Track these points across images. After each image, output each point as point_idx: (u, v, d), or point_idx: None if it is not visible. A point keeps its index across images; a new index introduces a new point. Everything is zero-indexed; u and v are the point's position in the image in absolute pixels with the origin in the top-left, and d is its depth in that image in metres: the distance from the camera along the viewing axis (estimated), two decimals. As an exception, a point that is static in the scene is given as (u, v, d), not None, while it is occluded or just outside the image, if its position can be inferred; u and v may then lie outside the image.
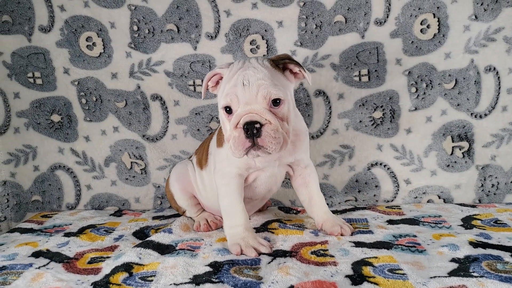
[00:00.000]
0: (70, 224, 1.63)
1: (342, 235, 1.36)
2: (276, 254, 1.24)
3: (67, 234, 1.50)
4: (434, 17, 1.66)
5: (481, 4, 1.61)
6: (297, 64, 1.25)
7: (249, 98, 1.18)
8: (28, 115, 1.82)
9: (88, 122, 1.83)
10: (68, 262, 1.26)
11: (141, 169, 1.85)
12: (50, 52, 1.77)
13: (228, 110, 1.22)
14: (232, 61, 1.38)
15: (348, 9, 1.68)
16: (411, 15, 1.67)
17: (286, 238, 1.36)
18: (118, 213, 1.79)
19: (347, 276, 1.08)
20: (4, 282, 1.14)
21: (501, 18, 1.61)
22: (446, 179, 1.73)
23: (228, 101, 1.20)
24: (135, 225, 1.59)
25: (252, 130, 1.16)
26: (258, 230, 1.44)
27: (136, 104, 1.81)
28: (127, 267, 1.18)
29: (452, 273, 1.06)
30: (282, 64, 1.26)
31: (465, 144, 1.71)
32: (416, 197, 1.75)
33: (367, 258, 1.18)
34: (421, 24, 1.67)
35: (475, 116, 1.69)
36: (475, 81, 1.67)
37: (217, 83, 1.32)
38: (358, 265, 1.13)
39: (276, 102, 1.19)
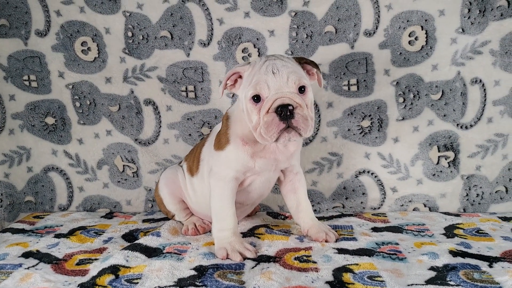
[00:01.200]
0: (61, 226, 1.65)
1: (326, 241, 1.39)
2: (261, 259, 1.27)
3: (58, 235, 1.52)
4: (422, 29, 1.69)
5: (468, 18, 1.65)
6: (315, 65, 1.31)
7: (279, 85, 1.21)
8: (23, 117, 1.85)
9: (81, 125, 1.86)
10: (56, 263, 1.29)
11: (133, 172, 1.88)
12: (46, 56, 1.80)
13: (256, 99, 1.23)
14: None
15: (338, 20, 1.72)
16: (399, 27, 1.70)
17: (272, 243, 1.39)
18: (109, 215, 1.81)
19: (327, 282, 1.11)
20: (-7, 281, 1.17)
21: (487, 32, 1.65)
22: (432, 188, 1.76)
23: (258, 89, 1.22)
24: (125, 227, 1.61)
25: (286, 112, 1.18)
26: (245, 235, 1.47)
27: (129, 109, 1.84)
28: (114, 269, 1.20)
29: (429, 281, 1.09)
30: (302, 63, 1.31)
31: (450, 154, 1.74)
32: (402, 205, 1.78)
33: (348, 264, 1.21)
34: (409, 36, 1.71)
35: (461, 127, 1.72)
36: (461, 92, 1.70)
37: (235, 81, 1.33)
38: (339, 271, 1.17)
39: (302, 89, 1.24)
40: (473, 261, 1.21)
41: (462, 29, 1.67)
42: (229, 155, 1.37)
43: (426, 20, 1.69)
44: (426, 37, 1.70)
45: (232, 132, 1.37)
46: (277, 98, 1.20)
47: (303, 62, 1.31)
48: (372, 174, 1.79)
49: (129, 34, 1.78)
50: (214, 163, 1.41)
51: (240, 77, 1.31)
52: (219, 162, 1.39)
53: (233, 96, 1.81)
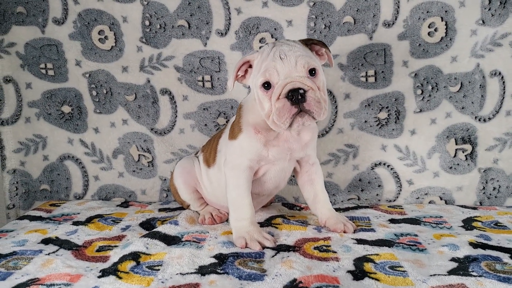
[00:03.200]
0: (78, 214, 1.66)
1: (345, 232, 1.39)
2: (280, 248, 1.27)
3: (76, 223, 1.53)
4: (442, 20, 1.68)
5: (489, 9, 1.63)
6: (323, 44, 1.30)
7: (288, 70, 1.21)
8: (39, 106, 1.85)
9: (97, 114, 1.86)
10: (77, 250, 1.29)
11: (148, 162, 1.88)
12: (63, 44, 1.80)
13: (267, 86, 1.23)
14: (253, 50, 1.40)
15: (357, 10, 1.71)
16: (419, 18, 1.69)
17: (290, 233, 1.39)
18: (125, 204, 1.82)
19: (349, 271, 1.11)
20: (15, 267, 1.17)
21: (508, 24, 1.63)
22: (448, 181, 1.75)
23: (267, 76, 1.22)
24: (142, 216, 1.62)
25: (297, 96, 1.18)
26: (262, 224, 1.47)
27: (145, 98, 1.84)
28: (135, 256, 1.21)
29: (451, 272, 1.09)
30: (309, 44, 1.31)
31: (468, 147, 1.73)
32: (418, 198, 1.77)
33: (368, 255, 1.20)
34: (428, 27, 1.69)
35: (479, 120, 1.71)
36: (480, 85, 1.69)
37: (246, 72, 1.34)
38: (360, 261, 1.16)
39: (312, 72, 1.23)
40: (494, 253, 1.20)
41: (483, 21, 1.65)
42: (242, 144, 1.37)
43: (446, 11, 1.67)
44: (446, 29, 1.68)
45: (244, 121, 1.37)
46: (287, 83, 1.19)
47: (310, 43, 1.30)
48: (388, 166, 1.79)
49: (147, 23, 1.78)
50: (229, 152, 1.42)
51: (250, 66, 1.31)
52: (233, 151, 1.40)
53: (249, 86, 1.80)
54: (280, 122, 1.21)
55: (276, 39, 1.76)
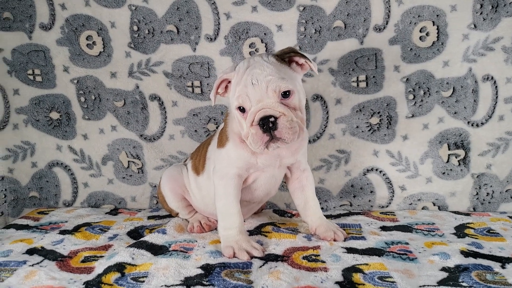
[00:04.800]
0: (66, 222, 1.64)
1: (335, 240, 1.37)
2: (268, 258, 1.24)
3: (63, 232, 1.50)
4: (434, 25, 1.66)
5: (481, 14, 1.62)
6: (302, 55, 1.28)
7: (260, 96, 1.20)
8: (27, 112, 1.83)
9: (86, 121, 1.84)
10: (61, 260, 1.27)
11: (138, 168, 1.86)
12: (51, 50, 1.78)
13: (242, 109, 1.25)
14: (233, 63, 1.40)
15: (347, 15, 1.69)
16: (410, 23, 1.67)
17: (279, 242, 1.37)
18: (114, 212, 1.80)
19: (337, 282, 1.09)
20: (-3, 279, 1.15)
21: (500, 28, 1.61)
22: (441, 187, 1.73)
23: (240, 102, 1.23)
24: (130, 224, 1.59)
25: (267, 124, 1.19)
26: (251, 233, 1.45)
27: (134, 104, 1.82)
28: (120, 267, 1.19)
29: (441, 282, 1.07)
30: (287, 57, 1.29)
31: (461, 152, 1.71)
32: (411, 204, 1.75)
33: (358, 264, 1.18)
34: (420, 31, 1.67)
35: (472, 125, 1.69)
36: (472, 89, 1.67)
37: (226, 87, 1.33)
38: (349, 271, 1.14)
39: (286, 94, 1.22)
40: (485, 262, 1.19)
41: (474, 25, 1.63)
42: (229, 153, 1.36)
43: (437, 16, 1.65)
44: (438, 33, 1.66)
45: (230, 130, 1.36)
46: (258, 110, 1.20)
47: (286, 57, 1.28)
48: (380, 172, 1.77)
49: (135, 28, 1.75)
50: (217, 161, 1.40)
51: (230, 82, 1.31)
52: (221, 159, 1.38)
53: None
54: (256, 147, 1.23)
55: (266, 45, 1.74)
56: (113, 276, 1.14)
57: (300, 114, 1.25)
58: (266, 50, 1.74)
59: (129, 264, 1.21)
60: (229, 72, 1.30)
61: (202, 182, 1.52)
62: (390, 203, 1.77)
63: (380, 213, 1.69)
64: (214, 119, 1.81)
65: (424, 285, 1.06)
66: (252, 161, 1.35)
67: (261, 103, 1.20)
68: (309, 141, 1.77)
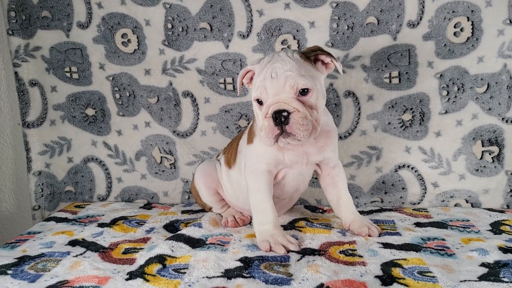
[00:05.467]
0: (103, 215, 1.68)
1: (369, 236, 1.38)
2: (305, 252, 1.26)
3: (101, 225, 1.55)
4: (468, 20, 1.65)
5: (517, 8, 1.60)
6: (328, 54, 1.28)
7: (277, 89, 1.23)
8: (64, 108, 1.88)
9: (121, 117, 1.88)
10: (103, 252, 1.31)
11: (170, 164, 1.89)
12: (87, 48, 1.82)
13: (260, 101, 1.27)
14: (262, 57, 1.41)
15: (381, 11, 1.68)
16: (444, 18, 1.66)
17: (314, 236, 1.38)
18: (148, 206, 1.83)
19: (376, 276, 1.09)
20: (44, 269, 1.19)
21: (537, 23, 1.59)
22: (475, 184, 1.72)
23: (258, 94, 1.26)
24: (165, 218, 1.63)
25: (280, 118, 1.21)
26: (285, 228, 1.47)
27: (167, 100, 1.85)
28: (161, 258, 1.22)
29: (482, 278, 1.07)
30: (313, 55, 1.30)
31: (495, 149, 1.70)
32: (443, 201, 1.74)
33: (396, 259, 1.19)
34: (454, 27, 1.66)
35: (506, 121, 1.67)
36: (507, 85, 1.65)
37: (251, 79, 1.37)
38: (387, 266, 1.15)
39: (304, 91, 1.24)
40: (524, 258, 1.18)
41: (510, 20, 1.61)
42: (258, 149, 1.38)
43: (472, 11, 1.64)
44: (472, 28, 1.65)
45: (257, 126, 1.37)
46: (273, 104, 1.22)
47: (312, 55, 1.29)
48: (412, 168, 1.76)
49: (169, 26, 1.78)
50: (247, 156, 1.42)
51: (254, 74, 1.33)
52: (251, 155, 1.40)
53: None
54: (266, 139, 1.25)
55: (298, 41, 1.75)
56: (156, 267, 1.17)
57: (316, 114, 1.26)
58: (298, 47, 1.75)
59: (169, 256, 1.24)
60: (254, 64, 1.33)
61: (234, 176, 1.54)
62: (422, 200, 1.76)
63: (412, 209, 1.68)
64: (246, 116, 1.83)
65: (465, 280, 1.05)
66: (279, 157, 1.36)
67: (277, 96, 1.22)
68: (341, 137, 1.77)
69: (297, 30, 1.74)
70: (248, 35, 1.77)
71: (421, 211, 1.65)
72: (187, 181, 1.89)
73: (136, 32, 1.80)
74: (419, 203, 1.76)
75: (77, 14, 1.79)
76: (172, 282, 1.08)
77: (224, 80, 1.82)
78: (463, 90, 1.69)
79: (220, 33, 1.78)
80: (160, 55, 1.81)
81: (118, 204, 1.84)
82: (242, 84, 1.39)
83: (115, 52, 1.82)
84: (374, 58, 1.72)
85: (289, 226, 1.49)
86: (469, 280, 1.06)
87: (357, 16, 1.70)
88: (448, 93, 1.70)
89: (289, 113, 1.20)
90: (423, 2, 1.65)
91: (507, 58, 1.64)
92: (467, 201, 1.72)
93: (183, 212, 1.73)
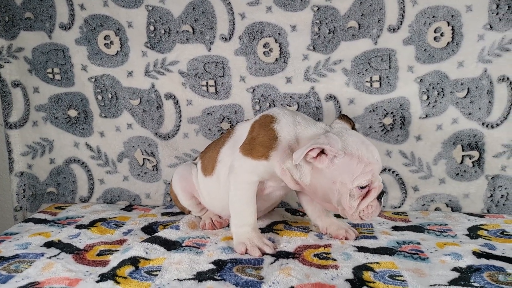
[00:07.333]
0: (82, 217, 1.67)
1: (346, 239, 1.38)
2: (279, 255, 1.26)
3: (79, 226, 1.54)
4: (448, 25, 1.65)
5: (496, 14, 1.61)
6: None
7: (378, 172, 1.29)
8: (46, 109, 1.88)
9: (103, 118, 1.88)
10: (78, 254, 1.30)
11: (152, 166, 1.89)
12: (69, 49, 1.82)
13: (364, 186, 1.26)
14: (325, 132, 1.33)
15: (361, 15, 1.69)
16: (425, 23, 1.67)
17: (290, 239, 1.38)
18: (129, 208, 1.83)
19: (347, 280, 1.09)
20: (16, 270, 1.18)
21: (516, 28, 1.60)
22: (455, 188, 1.72)
23: (370, 178, 1.25)
24: (144, 220, 1.62)
25: (381, 197, 1.29)
26: (263, 230, 1.47)
27: (150, 102, 1.85)
28: (134, 261, 1.21)
29: (452, 282, 1.07)
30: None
31: (475, 154, 1.70)
32: (423, 205, 1.75)
33: (368, 263, 1.19)
34: (434, 32, 1.67)
35: (487, 126, 1.68)
36: (487, 90, 1.66)
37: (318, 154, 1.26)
38: (359, 269, 1.15)
39: None
40: (497, 263, 1.17)
41: (490, 26, 1.62)
42: (259, 167, 1.33)
43: (452, 16, 1.65)
44: (452, 33, 1.66)
45: (274, 154, 1.31)
46: (379, 185, 1.27)
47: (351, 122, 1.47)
48: (393, 172, 1.76)
49: (151, 28, 1.79)
50: (241, 166, 1.34)
51: (322, 152, 1.24)
52: (246, 168, 1.34)
53: (253, 91, 1.80)
54: (370, 216, 1.28)
55: (280, 45, 1.75)
56: (128, 269, 1.17)
57: None
58: (280, 50, 1.75)
59: (143, 258, 1.23)
60: (330, 144, 1.21)
61: (210, 185, 1.51)
62: (402, 203, 1.77)
63: (392, 213, 1.69)
64: (228, 118, 1.83)
65: (434, 285, 1.06)
66: (278, 179, 1.36)
67: (379, 178, 1.28)
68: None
69: (279, 34, 1.75)
70: (230, 38, 1.77)
71: (400, 215, 1.66)
72: (169, 183, 1.88)
73: (119, 34, 1.80)
74: (399, 206, 1.77)
75: (60, 15, 1.79)
76: (143, 285, 1.08)
77: (207, 83, 1.82)
78: (443, 95, 1.70)
79: (202, 36, 1.78)
80: (143, 57, 1.81)
81: (99, 206, 1.83)
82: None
83: (97, 53, 1.82)
84: (355, 62, 1.73)
85: (267, 229, 1.49)
86: (439, 285, 1.06)
87: (338, 20, 1.71)
88: (428, 97, 1.71)
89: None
90: (404, 7, 1.66)
91: (487, 63, 1.65)
92: (447, 205, 1.73)
93: (163, 214, 1.73)
